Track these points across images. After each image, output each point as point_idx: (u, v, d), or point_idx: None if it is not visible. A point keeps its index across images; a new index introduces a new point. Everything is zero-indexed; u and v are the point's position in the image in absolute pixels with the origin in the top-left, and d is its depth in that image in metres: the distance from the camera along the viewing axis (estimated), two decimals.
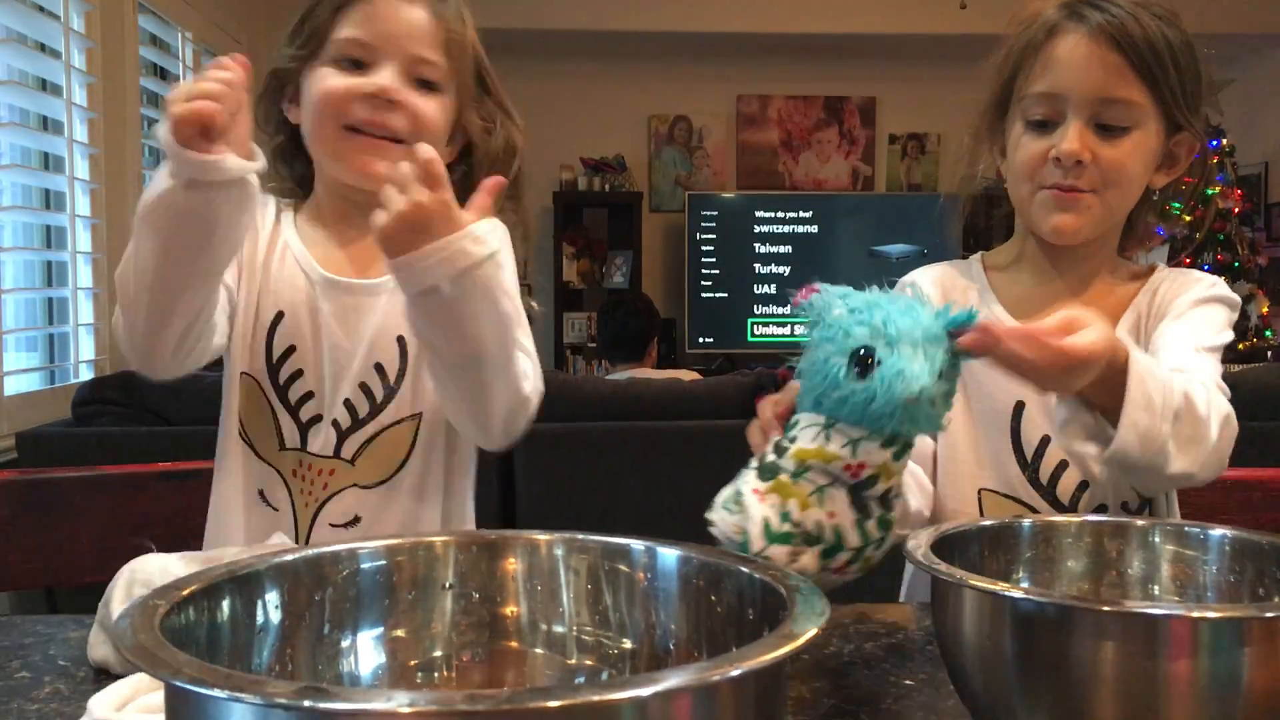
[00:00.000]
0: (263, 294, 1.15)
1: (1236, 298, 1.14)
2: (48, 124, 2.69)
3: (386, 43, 1.09)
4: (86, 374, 2.77)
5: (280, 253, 1.16)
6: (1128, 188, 1.10)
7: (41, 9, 2.61)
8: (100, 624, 0.87)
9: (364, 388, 1.13)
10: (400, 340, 1.14)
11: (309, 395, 1.13)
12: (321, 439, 1.13)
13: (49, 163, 2.69)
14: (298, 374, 1.13)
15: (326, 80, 1.10)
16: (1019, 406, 1.12)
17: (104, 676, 0.84)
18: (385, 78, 1.09)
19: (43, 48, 2.61)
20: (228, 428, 1.16)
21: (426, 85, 1.12)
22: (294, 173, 1.19)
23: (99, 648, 0.86)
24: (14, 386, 2.49)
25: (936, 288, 1.19)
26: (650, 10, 5.18)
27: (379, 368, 1.14)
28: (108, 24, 2.84)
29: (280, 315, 1.13)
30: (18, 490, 1.42)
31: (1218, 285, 1.14)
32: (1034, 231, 1.14)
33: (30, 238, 2.71)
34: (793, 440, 0.80)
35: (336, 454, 1.13)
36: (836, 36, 5.34)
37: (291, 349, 1.13)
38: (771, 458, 0.82)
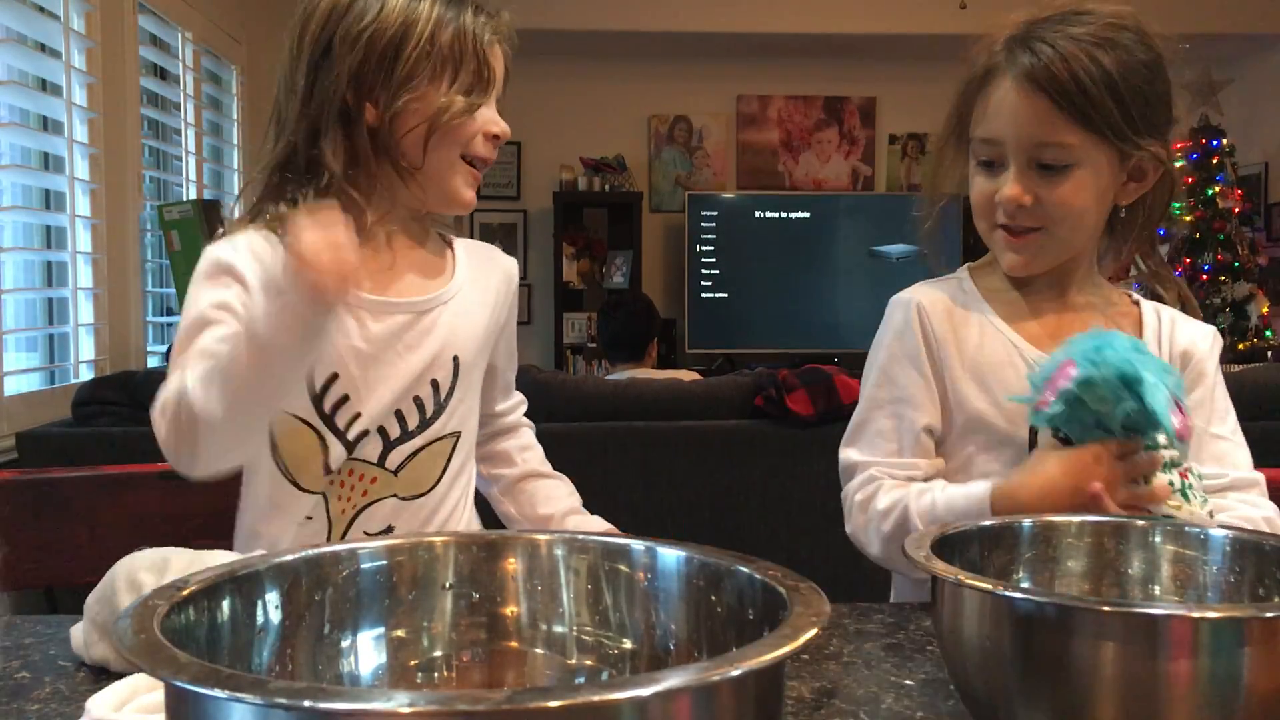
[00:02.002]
0: None
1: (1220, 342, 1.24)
2: (48, 124, 2.69)
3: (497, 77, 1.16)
4: (86, 374, 2.77)
5: None
6: (1077, 220, 1.14)
7: (41, 9, 2.61)
8: (93, 621, 0.87)
9: (417, 401, 1.15)
10: (455, 359, 1.17)
11: (357, 416, 1.13)
12: (365, 447, 1.14)
13: (49, 163, 2.69)
14: (344, 400, 1.12)
15: (481, 113, 1.14)
16: (1033, 432, 1.13)
17: (104, 676, 0.84)
18: (494, 114, 1.15)
19: (43, 48, 2.61)
20: (259, 466, 1.14)
21: None
22: (362, 192, 1.14)
23: (96, 646, 0.86)
24: (14, 386, 2.48)
25: (942, 312, 1.20)
26: (650, 10, 5.18)
27: (434, 383, 1.16)
28: (108, 24, 2.84)
29: None
30: (18, 490, 1.43)
31: (1218, 340, 1.23)
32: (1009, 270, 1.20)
33: (30, 238, 2.71)
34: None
35: (381, 463, 1.14)
36: (836, 36, 5.35)
37: (334, 377, 1.12)
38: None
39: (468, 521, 1.22)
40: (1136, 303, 1.23)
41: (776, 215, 5.68)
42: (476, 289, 1.21)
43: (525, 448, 1.32)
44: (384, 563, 0.65)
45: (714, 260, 5.64)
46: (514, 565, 0.67)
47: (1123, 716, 0.60)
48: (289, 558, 0.62)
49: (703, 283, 5.64)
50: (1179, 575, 0.81)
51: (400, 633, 0.65)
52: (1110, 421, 1.01)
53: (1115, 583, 0.82)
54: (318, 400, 1.12)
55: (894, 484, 1.14)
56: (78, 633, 0.89)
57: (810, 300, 5.63)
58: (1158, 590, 0.81)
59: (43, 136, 2.63)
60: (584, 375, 4.80)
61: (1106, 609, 0.61)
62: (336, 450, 1.13)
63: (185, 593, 0.55)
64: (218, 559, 0.85)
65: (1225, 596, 0.78)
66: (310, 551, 0.64)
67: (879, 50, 5.57)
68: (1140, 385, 0.99)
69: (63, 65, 2.63)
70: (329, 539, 1.13)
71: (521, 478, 1.30)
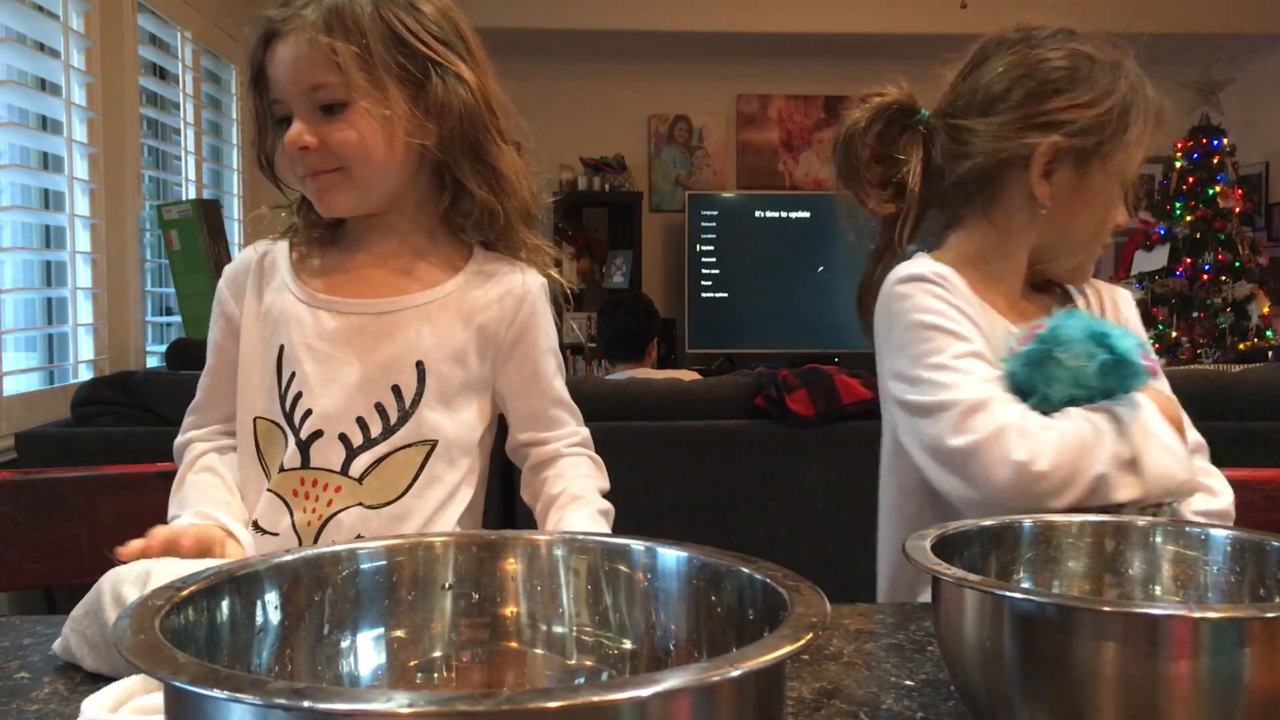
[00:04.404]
0: (270, 339, 1.16)
1: None
2: (47, 124, 2.69)
3: (285, 89, 1.11)
4: (86, 374, 2.77)
5: (276, 289, 1.18)
6: None
7: (41, 9, 2.61)
8: (82, 635, 0.87)
9: (379, 408, 1.13)
10: (419, 365, 1.14)
11: (309, 413, 1.13)
12: (326, 455, 1.12)
13: (48, 162, 2.69)
14: (298, 396, 1.14)
15: (280, 142, 1.13)
16: None
17: (102, 677, 0.84)
18: (295, 129, 1.10)
19: (42, 47, 2.61)
20: (246, 469, 1.17)
21: (330, 109, 1.10)
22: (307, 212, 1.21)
23: (87, 659, 0.86)
24: (13, 386, 2.48)
25: (958, 282, 1.21)
26: (650, 10, 5.18)
27: (396, 389, 1.14)
28: (107, 24, 2.84)
29: (282, 348, 1.15)
30: (18, 490, 1.43)
31: (1131, 299, 1.36)
32: (1070, 275, 1.29)
33: (29, 237, 2.71)
34: None
35: (344, 471, 1.12)
36: (836, 36, 5.34)
37: (293, 375, 1.14)
38: None
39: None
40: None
41: (776, 215, 5.68)
42: (466, 300, 1.18)
43: (558, 476, 1.21)
44: (384, 563, 0.65)
45: (714, 260, 5.65)
46: (514, 565, 0.67)
47: (1123, 717, 0.60)
48: (289, 558, 0.62)
49: (703, 283, 5.64)
50: (1179, 575, 0.81)
51: (400, 633, 0.65)
52: (1085, 377, 1.05)
53: (1115, 583, 0.82)
54: (282, 397, 1.14)
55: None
56: (58, 646, 0.89)
57: (810, 300, 5.63)
58: (1158, 590, 0.81)
59: (42, 136, 2.63)
60: (584, 375, 4.80)
61: (1106, 609, 0.61)
62: (290, 447, 1.13)
63: (185, 593, 0.55)
64: (200, 567, 0.85)
65: (1226, 597, 0.78)
66: (310, 551, 0.64)
67: (879, 50, 5.56)
68: (1108, 338, 1.04)
69: (62, 65, 2.63)
70: None
71: (544, 510, 1.20)
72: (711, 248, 5.65)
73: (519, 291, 1.20)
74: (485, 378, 1.19)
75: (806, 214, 5.68)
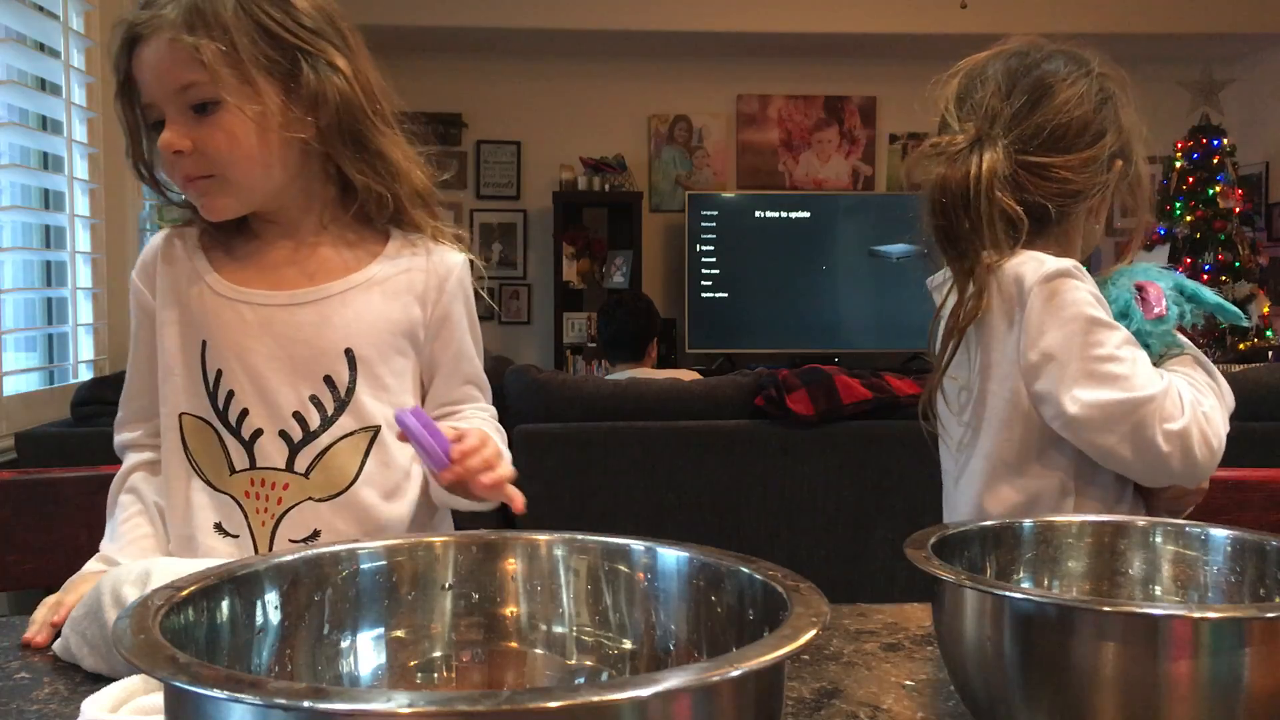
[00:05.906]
0: (190, 334, 1.14)
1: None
2: (47, 124, 2.69)
3: (153, 92, 1.09)
4: (86, 374, 2.77)
5: (189, 280, 1.16)
6: None
7: (41, 9, 2.61)
8: (82, 636, 0.87)
9: (314, 400, 1.12)
10: (348, 353, 1.12)
11: (245, 412, 1.11)
12: (269, 453, 1.11)
13: (48, 162, 2.69)
14: (230, 395, 1.12)
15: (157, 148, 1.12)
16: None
17: (102, 677, 0.84)
18: (167, 134, 1.08)
19: (42, 47, 2.61)
20: (172, 466, 1.14)
21: (203, 108, 1.08)
22: None
23: (87, 659, 0.86)
24: (13, 386, 2.48)
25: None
26: (650, 10, 5.18)
27: (328, 380, 1.12)
28: (107, 24, 2.84)
29: (205, 344, 1.13)
30: (18, 490, 1.43)
31: None
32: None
33: (29, 237, 2.71)
34: None
35: (289, 467, 1.11)
36: (836, 36, 5.35)
37: (220, 372, 1.12)
38: None
39: (420, 518, 1.17)
40: None
41: (776, 215, 5.68)
42: (388, 283, 1.17)
43: (460, 418, 1.21)
44: (383, 563, 0.65)
45: (714, 260, 5.64)
46: (513, 565, 0.67)
47: (1123, 716, 0.60)
48: (289, 558, 0.62)
49: (703, 283, 5.63)
50: (1179, 575, 0.81)
51: (400, 633, 0.65)
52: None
53: (1115, 583, 0.82)
54: (212, 397, 1.12)
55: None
56: (59, 648, 0.89)
57: (810, 300, 5.63)
58: (1158, 590, 0.81)
59: (42, 136, 2.63)
60: (584, 375, 4.80)
61: (1106, 609, 0.61)
62: (235, 448, 1.11)
63: (185, 593, 0.55)
64: (198, 568, 0.85)
65: (1226, 597, 0.78)
66: (310, 551, 0.64)
67: (879, 50, 5.57)
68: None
69: (62, 65, 2.63)
70: (255, 552, 1.10)
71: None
72: (711, 248, 5.64)
73: (441, 271, 1.20)
74: (414, 358, 1.19)
75: (806, 214, 5.67)
